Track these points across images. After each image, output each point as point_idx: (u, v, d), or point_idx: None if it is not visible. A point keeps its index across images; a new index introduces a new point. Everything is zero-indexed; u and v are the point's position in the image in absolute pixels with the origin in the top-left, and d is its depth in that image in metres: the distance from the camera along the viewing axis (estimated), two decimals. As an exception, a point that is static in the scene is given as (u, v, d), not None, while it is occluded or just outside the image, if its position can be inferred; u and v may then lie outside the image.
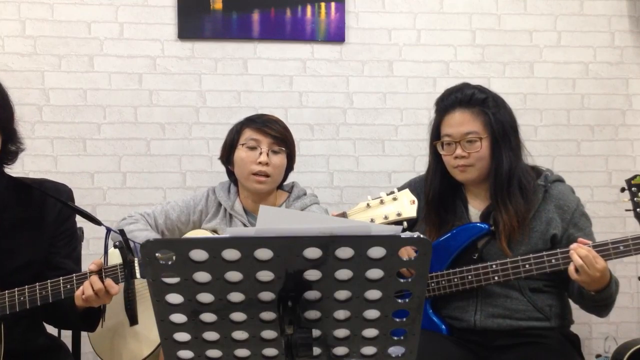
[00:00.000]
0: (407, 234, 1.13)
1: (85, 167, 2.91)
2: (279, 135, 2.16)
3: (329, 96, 3.01)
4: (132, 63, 2.92)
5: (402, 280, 1.13)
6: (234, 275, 1.10)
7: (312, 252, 1.08)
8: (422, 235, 1.09)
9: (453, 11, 3.05)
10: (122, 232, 1.78)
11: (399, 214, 1.81)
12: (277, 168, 2.16)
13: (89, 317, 1.86)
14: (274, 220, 1.11)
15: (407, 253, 1.12)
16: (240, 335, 1.18)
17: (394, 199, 1.83)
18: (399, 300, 1.15)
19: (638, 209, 1.95)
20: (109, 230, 1.82)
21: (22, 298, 1.78)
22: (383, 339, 1.19)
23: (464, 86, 2.07)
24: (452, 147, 2.02)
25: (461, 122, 2.01)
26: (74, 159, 2.91)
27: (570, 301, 2.09)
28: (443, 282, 2.01)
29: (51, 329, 2.02)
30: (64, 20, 2.89)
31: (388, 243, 1.08)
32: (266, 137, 2.15)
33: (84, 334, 2.17)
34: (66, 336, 2.17)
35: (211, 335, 1.18)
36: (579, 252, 1.80)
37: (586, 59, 3.10)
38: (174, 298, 1.13)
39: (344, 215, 1.86)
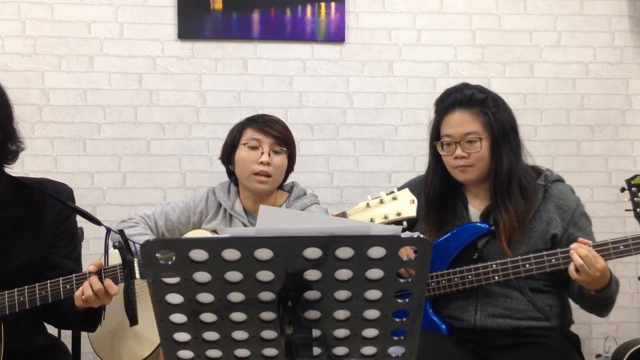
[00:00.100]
0: (407, 234, 1.13)
1: (85, 167, 2.91)
2: (280, 135, 2.16)
3: (329, 96, 3.01)
4: (132, 63, 2.92)
5: (402, 280, 1.13)
6: (234, 275, 1.10)
7: (312, 252, 1.08)
8: (422, 235, 1.09)
9: (453, 11, 3.05)
10: (121, 233, 1.78)
11: (398, 214, 1.81)
12: (278, 168, 2.16)
13: (88, 318, 1.85)
14: (274, 220, 1.11)
15: (406, 253, 1.12)
16: (240, 335, 1.18)
17: (394, 198, 1.83)
18: (399, 300, 1.15)
19: (638, 209, 1.95)
20: (108, 230, 1.82)
21: (21, 298, 1.78)
22: (383, 339, 1.19)
23: (464, 86, 2.07)
24: (452, 147, 2.02)
25: (461, 122, 2.01)
26: (74, 159, 2.91)
27: (571, 301, 2.09)
28: (443, 282, 2.01)
29: (51, 329, 2.02)
30: (64, 20, 2.89)
31: (388, 243, 1.08)
32: (268, 137, 2.15)
33: (84, 334, 2.18)
34: (66, 336, 2.17)
35: (211, 335, 1.18)
36: (579, 251, 1.80)
37: (586, 59, 3.10)
38: (174, 298, 1.13)
39: (343, 215, 1.86)
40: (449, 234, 2.04)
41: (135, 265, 1.77)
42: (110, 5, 2.91)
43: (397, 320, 1.17)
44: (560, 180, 2.10)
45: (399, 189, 1.86)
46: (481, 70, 3.05)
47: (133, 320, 1.78)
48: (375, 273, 1.11)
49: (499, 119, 2.01)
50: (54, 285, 1.79)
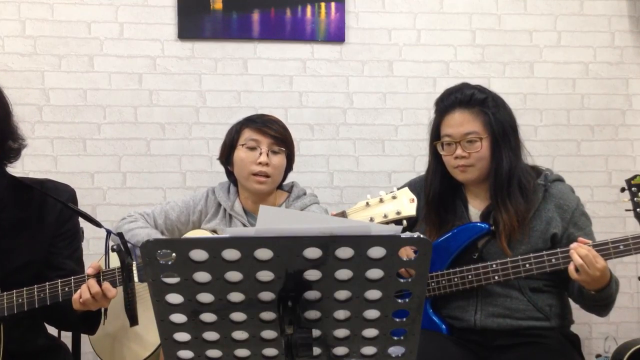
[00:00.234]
0: (407, 234, 1.13)
1: (85, 167, 2.90)
2: (278, 135, 2.16)
3: (329, 96, 3.01)
4: (132, 63, 2.92)
5: (402, 280, 1.13)
6: (234, 275, 1.10)
7: (312, 252, 1.08)
8: (422, 235, 1.09)
9: (453, 11, 3.05)
10: (120, 235, 1.77)
11: (398, 213, 1.81)
12: (277, 168, 2.16)
13: (87, 320, 1.85)
14: (274, 220, 1.11)
15: (406, 253, 1.12)
16: (240, 335, 1.18)
17: (394, 197, 1.83)
18: (399, 300, 1.15)
19: (638, 209, 1.95)
20: (109, 232, 1.82)
21: (20, 300, 1.78)
22: (383, 339, 1.19)
23: (464, 86, 2.07)
24: (452, 147, 2.02)
25: (461, 122, 2.01)
26: (74, 159, 2.91)
27: (571, 301, 2.09)
28: (443, 282, 2.01)
29: (51, 330, 2.02)
30: (64, 20, 2.89)
31: (388, 243, 1.08)
32: (266, 137, 2.15)
33: (84, 335, 2.17)
34: (66, 336, 2.17)
35: (211, 335, 1.18)
36: (579, 251, 1.80)
37: (586, 59, 3.10)
38: (174, 298, 1.13)
39: (343, 214, 1.86)
40: (449, 234, 2.04)
41: (134, 268, 1.77)
42: (110, 5, 2.91)
43: (397, 320, 1.17)
44: (560, 179, 2.10)
45: (399, 188, 1.86)
46: (481, 70, 3.05)
47: (133, 320, 1.78)
48: (375, 273, 1.11)
49: (499, 119, 2.01)
50: (53, 287, 1.79)
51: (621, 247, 1.84)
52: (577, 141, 3.10)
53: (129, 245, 1.76)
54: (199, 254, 1.08)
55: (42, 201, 1.88)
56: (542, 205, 2.01)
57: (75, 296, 1.75)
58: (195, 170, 2.95)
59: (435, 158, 2.11)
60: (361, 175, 3.02)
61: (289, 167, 2.24)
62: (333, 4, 2.96)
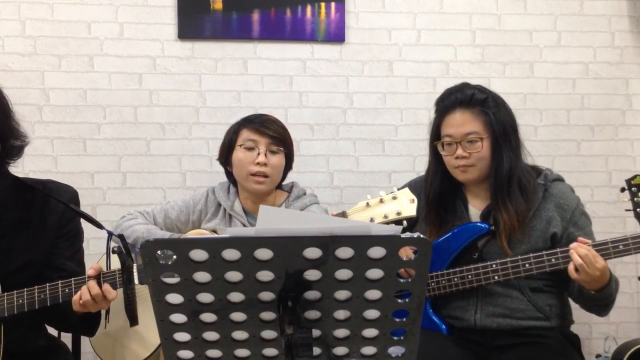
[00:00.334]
0: (407, 234, 1.13)
1: (85, 167, 2.90)
2: (277, 135, 2.15)
3: (329, 96, 3.01)
4: (132, 63, 2.92)
5: (402, 280, 1.13)
6: (234, 275, 1.10)
7: (312, 252, 1.08)
8: (422, 235, 1.09)
9: (453, 11, 3.05)
10: (121, 237, 1.77)
11: (398, 213, 1.81)
12: (276, 168, 2.16)
13: (87, 322, 1.85)
14: (274, 220, 1.11)
15: (405, 253, 1.12)
16: (240, 335, 1.18)
17: (394, 197, 1.83)
18: (399, 300, 1.15)
19: (638, 209, 1.95)
20: (110, 234, 1.82)
21: (20, 301, 1.78)
22: (383, 339, 1.19)
23: (464, 86, 2.07)
24: (453, 147, 2.02)
25: (462, 122, 2.01)
26: (74, 159, 2.91)
27: (571, 301, 2.09)
28: (443, 282, 2.01)
29: (52, 330, 2.02)
30: (64, 20, 2.89)
31: (388, 243, 1.08)
32: (264, 137, 2.14)
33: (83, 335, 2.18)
34: (66, 337, 2.17)
35: (211, 335, 1.18)
36: (579, 251, 1.80)
37: (586, 59, 3.10)
38: (174, 298, 1.13)
39: (343, 214, 1.86)
40: (449, 234, 2.04)
41: (135, 270, 1.77)
42: (110, 5, 2.91)
43: (397, 320, 1.17)
44: (560, 179, 2.10)
45: (399, 189, 1.86)
46: (481, 70, 3.05)
47: (133, 320, 1.78)
48: (375, 273, 1.11)
49: (499, 119, 2.01)
50: (53, 288, 1.79)
51: (621, 246, 1.84)
52: (577, 141, 3.10)
53: (129, 247, 1.76)
54: (199, 254, 1.08)
55: (44, 202, 1.87)
56: (542, 205, 2.01)
57: (75, 297, 1.75)
58: (195, 170, 2.95)
59: (436, 158, 2.11)
60: (361, 175, 3.02)
61: (288, 167, 2.24)
62: (333, 4, 2.96)
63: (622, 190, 1.98)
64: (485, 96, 2.03)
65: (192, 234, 2.23)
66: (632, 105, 3.12)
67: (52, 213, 1.88)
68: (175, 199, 2.29)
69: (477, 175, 2.03)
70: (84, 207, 1.97)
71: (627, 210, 1.97)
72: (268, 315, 1.15)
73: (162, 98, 2.94)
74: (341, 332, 1.19)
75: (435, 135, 2.08)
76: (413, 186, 2.10)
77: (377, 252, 1.08)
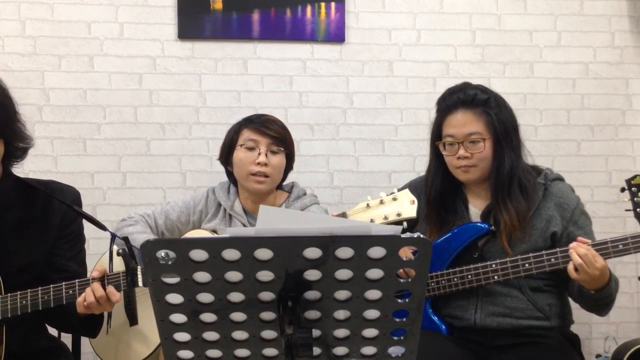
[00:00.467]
0: (407, 234, 1.13)
1: (85, 167, 2.90)
2: (277, 135, 2.16)
3: (329, 96, 3.01)
4: (132, 63, 2.92)
5: (402, 281, 1.13)
6: (234, 275, 1.10)
7: (312, 252, 1.08)
8: (422, 235, 1.09)
9: (453, 11, 3.05)
10: (126, 240, 1.77)
11: (398, 214, 1.81)
12: (276, 168, 2.16)
13: (89, 323, 1.85)
14: (274, 220, 1.11)
15: (404, 254, 1.12)
16: (240, 335, 1.18)
17: (394, 199, 1.83)
18: (399, 300, 1.15)
19: (638, 209, 1.95)
20: (113, 236, 1.82)
21: (23, 302, 1.78)
22: (383, 339, 1.19)
23: (466, 86, 2.07)
24: (455, 147, 2.01)
25: (464, 122, 2.00)
26: (74, 159, 2.91)
27: (571, 301, 2.09)
28: (443, 282, 2.01)
29: (52, 330, 2.02)
30: (64, 20, 2.89)
31: (388, 243, 1.08)
32: (264, 137, 2.14)
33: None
34: (66, 336, 2.17)
35: (211, 335, 1.18)
36: (578, 250, 1.80)
37: (586, 59, 3.10)
38: (174, 298, 1.13)
39: (343, 215, 1.86)
40: (449, 234, 2.04)
41: (139, 272, 1.77)
42: (110, 5, 2.91)
43: (397, 320, 1.17)
44: (560, 179, 2.10)
45: (399, 190, 1.86)
46: (481, 70, 3.05)
47: (133, 320, 1.78)
48: (375, 273, 1.11)
49: (501, 119, 2.01)
50: (57, 289, 1.79)
51: (620, 246, 1.84)
52: (577, 141, 3.10)
53: (133, 249, 1.76)
54: (199, 254, 1.08)
55: (47, 202, 1.87)
56: (542, 204, 2.01)
57: (80, 299, 1.75)
58: (195, 170, 2.95)
59: (437, 158, 2.10)
60: (361, 175, 3.02)
61: (289, 167, 2.24)
62: (333, 4, 2.96)
63: (622, 190, 1.98)
64: (487, 96, 2.03)
65: (192, 234, 2.23)
66: (632, 105, 3.12)
67: (54, 214, 1.88)
68: (176, 200, 2.29)
69: (478, 175, 2.03)
70: (84, 208, 1.97)
71: (627, 210, 1.98)
72: (268, 315, 1.16)
73: (162, 98, 2.94)
74: (341, 332, 1.19)
75: (437, 135, 2.08)
76: (413, 187, 2.10)
77: (377, 252, 1.09)
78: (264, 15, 2.94)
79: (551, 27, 3.08)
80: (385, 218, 1.82)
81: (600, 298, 1.89)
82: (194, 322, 1.16)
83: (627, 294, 3.06)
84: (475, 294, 2.01)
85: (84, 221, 1.92)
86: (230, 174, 2.26)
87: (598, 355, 3.01)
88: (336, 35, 2.98)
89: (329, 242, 1.07)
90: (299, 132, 2.92)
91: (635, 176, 1.97)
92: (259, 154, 2.13)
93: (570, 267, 1.82)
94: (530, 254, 1.91)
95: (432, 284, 2.02)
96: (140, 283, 1.76)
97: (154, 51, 2.93)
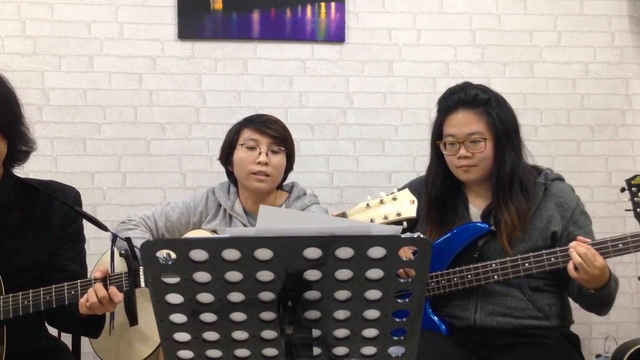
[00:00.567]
0: (408, 234, 1.13)
1: (85, 167, 2.90)
2: (278, 135, 2.16)
3: (329, 96, 3.01)
4: (132, 63, 2.92)
5: (402, 280, 1.13)
6: (234, 275, 1.10)
7: (312, 252, 1.08)
8: (422, 235, 1.09)
9: (453, 11, 3.05)
10: (128, 240, 1.77)
11: (398, 214, 1.81)
12: (277, 168, 2.16)
13: (91, 324, 1.85)
14: (274, 220, 1.11)
15: (404, 254, 1.12)
16: (240, 335, 1.18)
17: (394, 198, 1.83)
18: (399, 300, 1.15)
19: (638, 209, 1.95)
20: (115, 237, 1.82)
21: (25, 302, 1.78)
22: (383, 339, 1.19)
23: (467, 86, 2.07)
24: (456, 147, 2.01)
25: (465, 122, 2.00)
26: (74, 159, 2.91)
27: (571, 301, 2.09)
28: (443, 282, 2.01)
29: (52, 330, 2.02)
30: (64, 20, 2.89)
31: (388, 243, 1.08)
32: (265, 137, 2.15)
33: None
34: (66, 336, 2.17)
35: (211, 335, 1.18)
36: (578, 250, 1.80)
37: (586, 59, 3.10)
38: (174, 298, 1.13)
39: (343, 215, 1.86)
40: (449, 234, 2.04)
41: (141, 273, 1.77)
42: (110, 5, 2.91)
43: (397, 320, 1.17)
44: (560, 178, 2.10)
45: (399, 190, 1.86)
46: (481, 70, 3.05)
47: (133, 320, 1.78)
48: (375, 273, 1.11)
49: (502, 119, 2.01)
50: (59, 290, 1.79)
51: (620, 245, 1.85)
52: (577, 141, 3.10)
53: (135, 250, 1.76)
54: (199, 254, 1.08)
55: (48, 203, 1.88)
56: (542, 204, 2.02)
57: (82, 300, 1.75)
58: (195, 170, 2.95)
59: (437, 157, 2.10)
60: (361, 175, 3.02)
61: (289, 167, 2.24)
62: (333, 4, 2.96)
63: (622, 190, 1.99)
64: (488, 96, 2.03)
65: (192, 234, 2.23)
66: (632, 105, 3.12)
67: (55, 214, 1.88)
68: (175, 201, 2.29)
69: (479, 175, 2.03)
70: (84, 208, 1.97)
71: (627, 210, 1.98)
72: (268, 315, 1.15)
73: (162, 98, 2.94)
74: (341, 332, 1.19)
75: (437, 134, 2.08)
76: (413, 187, 2.10)
77: (377, 252, 1.08)
78: (264, 15, 2.94)
79: (551, 27, 3.08)
80: (385, 218, 1.82)
81: (600, 297, 1.89)
82: (194, 322, 1.16)
83: (627, 294, 3.06)
84: (475, 293, 2.01)
85: (84, 221, 1.92)
86: (230, 174, 2.26)
87: (598, 355, 3.01)
88: (336, 35, 2.98)
89: (329, 242, 1.07)
90: (299, 132, 2.92)
91: (635, 176, 1.97)
92: (260, 153, 2.13)
93: (570, 266, 1.82)
94: (530, 254, 1.92)
95: (432, 284, 2.02)
96: (142, 284, 1.77)
97: (154, 51, 2.93)
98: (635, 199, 1.95)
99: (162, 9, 2.92)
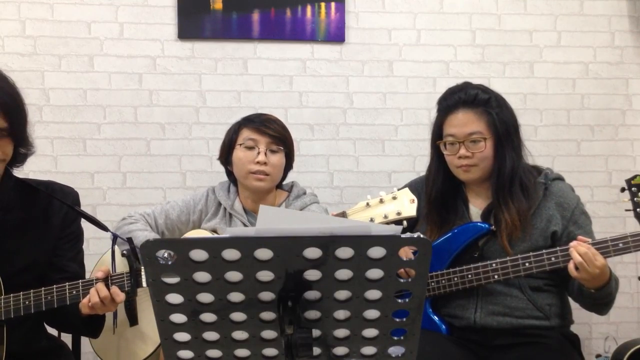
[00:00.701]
0: (408, 234, 1.13)
1: (85, 167, 2.90)
2: (277, 134, 2.16)
3: (329, 96, 3.01)
4: (132, 63, 2.92)
5: (402, 280, 1.13)
6: (234, 275, 1.10)
7: (312, 252, 1.08)
8: (422, 235, 1.09)
9: (453, 11, 3.05)
10: (129, 241, 1.78)
11: (398, 213, 1.81)
12: (276, 167, 2.16)
13: (91, 324, 1.85)
14: (274, 220, 1.11)
15: (404, 254, 1.12)
16: (240, 335, 1.18)
17: (394, 198, 1.83)
18: (399, 300, 1.15)
19: (638, 209, 1.95)
20: (115, 237, 1.82)
21: (27, 302, 1.78)
22: (383, 339, 1.19)
23: (467, 86, 2.07)
24: (456, 147, 2.01)
25: (465, 122, 2.01)
26: (74, 159, 2.91)
27: (571, 301, 2.09)
28: (443, 282, 2.01)
29: (52, 330, 2.02)
30: (64, 20, 2.89)
31: (388, 243, 1.08)
32: (264, 136, 2.15)
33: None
34: (66, 336, 2.17)
35: (211, 335, 1.18)
36: (579, 249, 1.80)
37: (586, 59, 3.10)
38: (174, 298, 1.13)
39: (343, 214, 1.86)
40: (450, 234, 2.04)
41: (142, 273, 1.77)
42: (110, 5, 2.91)
43: (397, 320, 1.17)
44: (560, 178, 2.10)
45: (399, 189, 1.86)
46: (481, 70, 3.05)
47: (133, 320, 1.78)
48: (375, 273, 1.11)
49: (502, 119, 2.01)
50: (60, 290, 1.79)
51: (620, 244, 1.85)
52: (577, 141, 3.10)
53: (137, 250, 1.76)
54: (199, 254, 1.08)
55: (48, 203, 1.88)
56: (542, 203, 2.02)
57: (84, 300, 1.76)
58: (195, 170, 2.95)
59: (438, 157, 2.11)
60: (361, 175, 3.02)
61: (289, 166, 2.24)
62: (333, 4, 2.96)
63: (622, 190, 1.99)
64: (488, 96, 2.03)
65: (192, 233, 2.23)
66: (632, 105, 3.12)
67: (55, 214, 1.88)
68: (176, 199, 2.29)
69: (479, 174, 2.03)
70: (84, 207, 1.97)
71: (627, 210, 1.98)
72: (268, 315, 1.15)
73: (162, 98, 2.94)
74: (341, 332, 1.19)
75: (438, 134, 2.08)
76: (413, 186, 2.10)
77: (377, 252, 1.08)
78: (264, 15, 2.94)
79: (551, 27, 3.08)
80: (385, 217, 1.82)
81: (600, 297, 1.89)
82: (194, 322, 1.16)
83: (627, 294, 3.06)
84: (476, 293, 2.01)
85: (83, 221, 1.92)
86: (230, 174, 2.26)
87: (598, 355, 3.01)
88: (336, 35, 2.98)
89: (329, 242, 1.07)
90: (299, 132, 2.92)
91: (635, 176, 1.97)
92: (259, 153, 2.13)
93: (571, 265, 1.82)
94: (531, 253, 1.92)
95: (432, 284, 2.02)
96: (144, 284, 1.77)
97: (154, 51, 2.93)
98: (635, 199, 1.96)
99: (162, 9, 2.92)
